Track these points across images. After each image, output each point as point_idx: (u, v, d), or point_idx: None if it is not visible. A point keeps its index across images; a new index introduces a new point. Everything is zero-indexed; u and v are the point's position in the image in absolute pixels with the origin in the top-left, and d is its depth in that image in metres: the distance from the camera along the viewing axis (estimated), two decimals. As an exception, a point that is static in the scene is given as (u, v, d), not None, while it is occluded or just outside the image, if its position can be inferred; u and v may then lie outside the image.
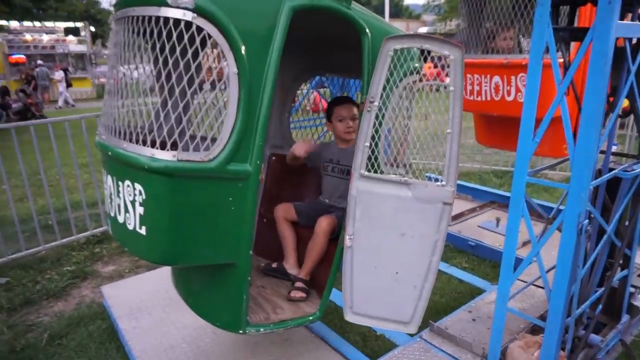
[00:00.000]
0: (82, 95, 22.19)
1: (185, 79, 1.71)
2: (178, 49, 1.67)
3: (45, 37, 21.63)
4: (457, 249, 4.09)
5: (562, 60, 2.02)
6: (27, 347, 2.89)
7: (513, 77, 3.21)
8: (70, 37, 22.15)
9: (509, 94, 3.30)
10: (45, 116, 13.71)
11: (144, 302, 3.21)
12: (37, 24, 22.16)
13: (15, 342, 2.96)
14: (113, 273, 3.90)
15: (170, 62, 1.69)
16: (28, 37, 21.17)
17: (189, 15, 1.65)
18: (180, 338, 2.77)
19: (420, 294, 2.11)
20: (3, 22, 20.24)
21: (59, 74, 18.16)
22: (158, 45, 1.69)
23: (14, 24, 21.17)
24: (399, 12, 39.69)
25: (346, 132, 2.68)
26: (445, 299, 3.29)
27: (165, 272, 3.62)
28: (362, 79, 2.11)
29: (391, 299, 2.16)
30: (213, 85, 1.81)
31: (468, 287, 3.48)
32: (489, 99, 3.44)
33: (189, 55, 1.68)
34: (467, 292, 3.41)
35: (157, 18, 1.68)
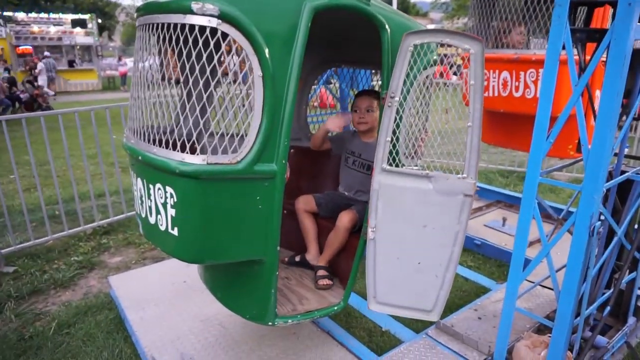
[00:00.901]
0: (88, 87, 22.27)
1: (213, 83, 1.74)
2: (204, 55, 1.69)
3: (53, 29, 21.66)
4: (462, 247, 4.09)
5: (576, 57, 2.02)
6: (36, 335, 2.92)
7: (522, 73, 3.19)
8: (77, 29, 22.16)
9: (517, 89, 3.27)
10: (52, 107, 13.76)
11: (151, 293, 3.23)
12: (44, 15, 22.17)
13: (23, 330, 2.98)
14: (120, 264, 3.93)
15: (197, 67, 1.71)
16: (35, 28, 21.20)
17: (214, 22, 1.67)
18: (187, 329, 2.79)
19: (442, 283, 2.16)
20: (10, 14, 20.24)
21: (40, 66, 17.13)
22: (184, 51, 1.71)
23: (21, 15, 21.18)
24: (406, 9, 39.54)
25: (358, 123, 2.71)
26: (450, 297, 3.26)
27: (172, 264, 3.65)
28: (382, 74, 2.12)
29: (414, 288, 2.20)
30: (238, 87, 1.84)
31: (473, 285, 3.49)
32: (496, 94, 3.41)
33: (215, 60, 1.70)
34: (472, 290, 3.42)
35: (183, 25, 1.70)
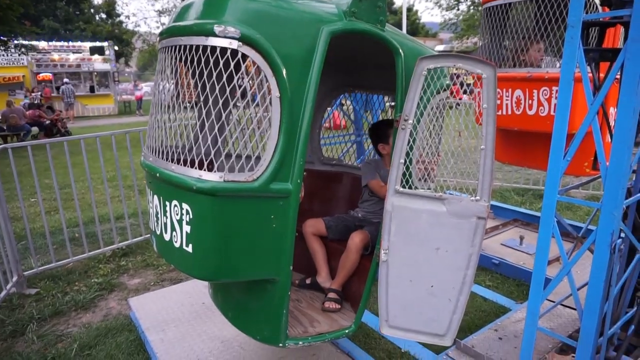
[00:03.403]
0: (105, 112, 22.83)
1: (232, 103, 1.80)
2: (225, 75, 1.75)
3: (72, 56, 22.37)
4: (480, 266, 4.06)
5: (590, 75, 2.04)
6: (58, 356, 2.95)
7: (535, 91, 3.21)
8: (96, 56, 22.85)
9: (530, 107, 3.30)
10: (70, 132, 14.11)
11: (170, 314, 3.26)
12: (64, 43, 22.94)
13: (46, 352, 3.02)
14: (139, 286, 3.97)
15: (217, 87, 1.77)
16: (55, 56, 21.92)
17: (235, 44, 1.73)
18: (207, 351, 2.80)
19: (456, 307, 2.12)
20: (33, 42, 20.96)
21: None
22: (205, 72, 1.77)
23: (42, 44, 21.95)
24: (415, 30, 39.99)
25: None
26: (469, 317, 3.26)
27: (190, 285, 3.68)
28: (396, 97, 2.16)
29: (427, 312, 2.17)
30: (256, 108, 1.89)
31: (492, 305, 3.45)
32: (509, 113, 3.43)
33: (235, 80, 1.76)
34: (491, 310, 3.38)
35: (204, 47, 1.76)
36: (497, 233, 4.68)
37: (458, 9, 28.08)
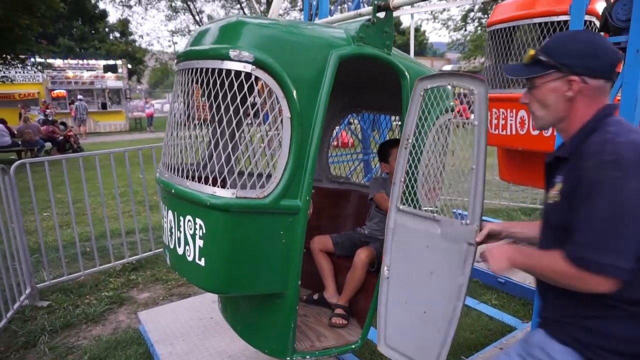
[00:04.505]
0: (117, 128, 23.21)
1: (245, 123, 1.88)
2: (238, 97, 1.84)
3: (86, 74, 22.87)
4: (486, 285, 4.08)
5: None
6: (69, 368, 3.01)
7: None
8: (109, 74, 23.33)
9: (534, 128, 3.37)
10: (82, 148, 14.36)
11: (179, 328, 3.31)
12: (79, 61, 23.47)
13: (57, 364, 3.08)
14: (148, 300, 4.03)
15: (231, 108, 1.87)
16: (70, 73, 22.44)
17: (248, 67, 1.84)
18: (215, 365, 2.85)
19: (445, 341, 1.97)
20: (50, 60, 21.47)
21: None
22: (220, 94, 1.86)
23: (57, 62, 22.51)
24: (423, 50, 40.43)
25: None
26: (475, 336, 3.28)
27: (199, 300, 3.73)
28: (402, 118, 2.24)
29: (418, 338, 2.09)
30: (267, 128, 1.98)
31: (498, 324, 3.46)
32: (514, 133, 3.50)
33: (248, 102, 1.86)
34: (497, 329, 3.39)
35: (220, 70, 1.87)
36: (504, 252, 4.69)
37: (465, 30, 28.42)
